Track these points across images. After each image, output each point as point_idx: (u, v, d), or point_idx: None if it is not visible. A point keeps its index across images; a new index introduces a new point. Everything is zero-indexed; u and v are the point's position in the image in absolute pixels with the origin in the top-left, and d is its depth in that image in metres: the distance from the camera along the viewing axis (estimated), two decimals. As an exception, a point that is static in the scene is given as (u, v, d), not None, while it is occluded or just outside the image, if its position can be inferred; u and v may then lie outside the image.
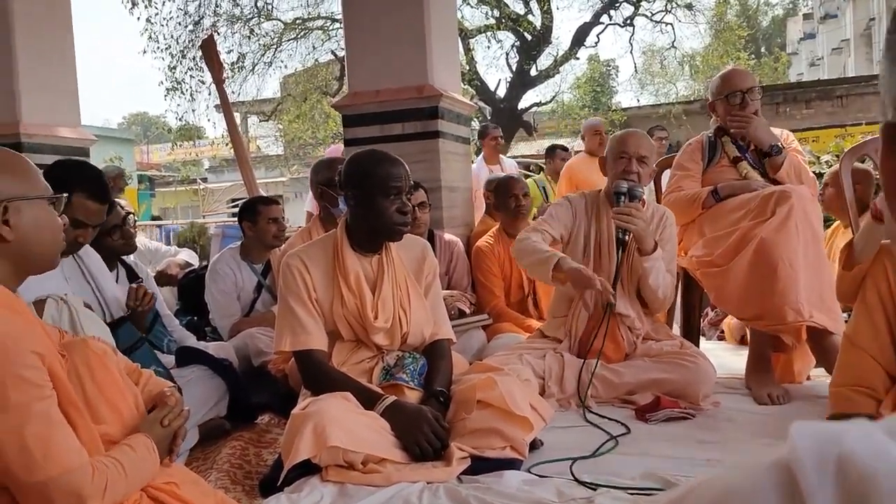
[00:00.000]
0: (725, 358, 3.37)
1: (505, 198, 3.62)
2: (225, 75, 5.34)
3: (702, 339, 3.48)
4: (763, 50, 28.24)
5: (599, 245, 2.79)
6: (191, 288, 3.94)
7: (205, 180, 21.58)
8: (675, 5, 15.94)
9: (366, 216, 2.25)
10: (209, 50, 4.22)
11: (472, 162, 5.33)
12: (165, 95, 13.96)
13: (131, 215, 2.93)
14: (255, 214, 3.54)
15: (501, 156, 6.40)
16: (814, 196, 2.83)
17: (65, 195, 1.58)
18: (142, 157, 29.25)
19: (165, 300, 3.98)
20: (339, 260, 2.27)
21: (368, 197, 2.22)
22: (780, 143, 2.97)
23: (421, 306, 2.35)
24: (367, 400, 2.07)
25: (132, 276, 3.03)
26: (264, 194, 4.67)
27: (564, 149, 6.60)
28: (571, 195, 3.04)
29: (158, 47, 13.76)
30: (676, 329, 3.35)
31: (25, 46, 4.60)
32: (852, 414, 2.02)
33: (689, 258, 3.01)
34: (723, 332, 4.09)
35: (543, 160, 6.87)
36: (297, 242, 3.02)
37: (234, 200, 15.67)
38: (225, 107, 4.33)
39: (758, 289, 2.63)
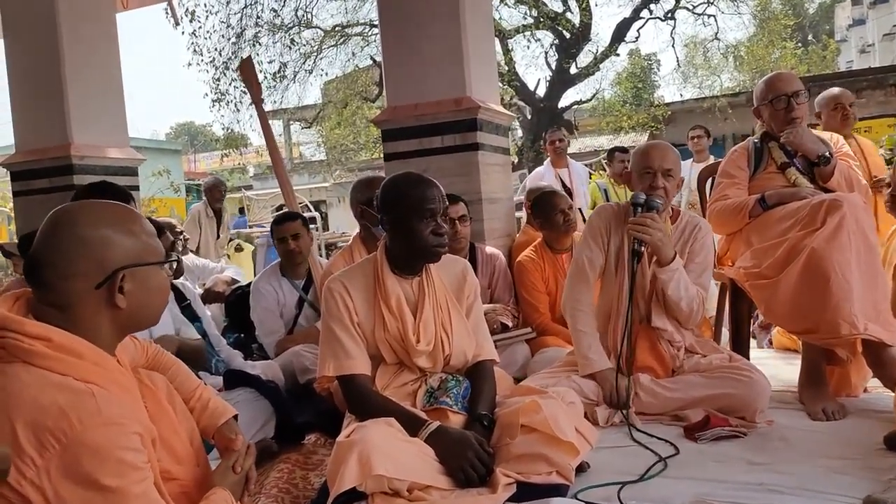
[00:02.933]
0: (777, 368, 3.28)
1: (550, 214, 3.59)
2: (264, 92, 5.45)
3: (752, 346, 3.39)
4: (810, 38, 27.55)
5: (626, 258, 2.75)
6: (238, 305, 4.01)
7: (250, 188, 21.92)
8: (717, -3, 15.65)
9: (402, 239, 2.25)
10: (247, 71, 4.31)
11: (520, 168, 5.27)
12: (211, 107, 14.24)
13: (179, 240, 2.99)
14: (273, 235, 3.65)
15: (570, 159, 6.29)
16: (866, 203, 2.74)
17: (175, 258, 1.56)
18: (189, 166, 29.88)
19: (213, 317, 4.06)
20: (379, 283, 2.28)
21: (403, 220, 2.23)
22: (828, 152, 2.88)
23: (463, 327, 2.34)
24: (411, 425, 2.06)
25: (180, 297, 3.09)
26: (305, 203, 4.70)
27: (624, 150, 6.51)
28: (603, 207, 2.99)
29: (202, 60, 14.05)
30: (726, 340, 3.29)
31: (74, 71, 4.75)
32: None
33: (736, 269, 2.95)
34: (772, 339, 3.98)
35: (605, 161, 6.74)
36: (339, 263, 3.04)
37: (279, 208, 15.89)
38: (264, 127, 4.41)
39: (810, 302, 2.56)
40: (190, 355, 2.55)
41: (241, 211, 10.58)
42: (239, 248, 6.23)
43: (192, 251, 5.85)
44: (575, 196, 5.86)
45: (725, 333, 3.41)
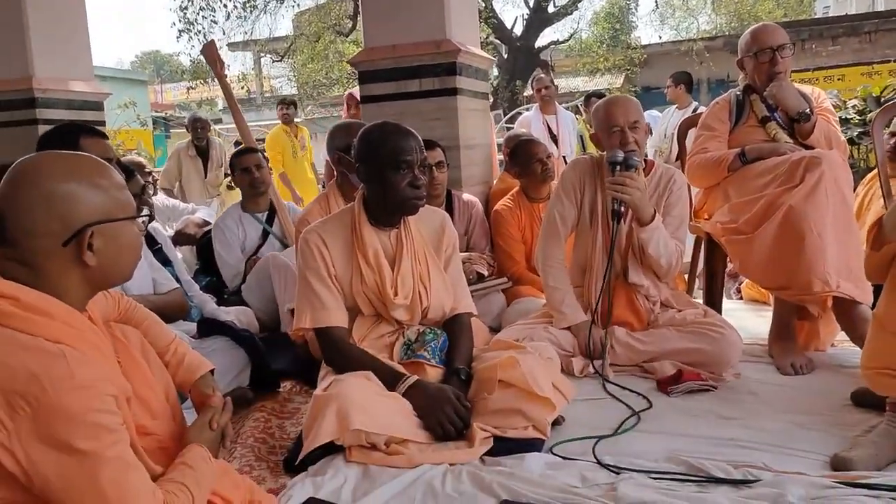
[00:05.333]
0: (747, 320, 3.34)
1: (528, 162, 3.54)
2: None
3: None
4: (789, -19, 27.28)
5: (604, 216, 2.74)
6: (210, 247, 3.93)
7: (219, 121, 21.44)
8: (699, -64, 15.37)
9: (379, 191, 2.22)
10: (210, 53, 4.39)
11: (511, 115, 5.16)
12: (178, 37, 13.78)
13: (149, 183, 2.91)
14: (233, 168, 3.79)
15: (558, 105, 6.16)
16: (844, 161, 2.74)
17: (147, 214, 1.48)
18: (156, 97, 29.05)
19: (185, 260, 4.00)
20: (357, 235, 2.25)
21: (379, 172, 2.18)
22: (808, 109, 2.86)
23: (441, 281, 2.33)
24: (389, 379, 2.07)
25: (151, 241, 3.02)
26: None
27: (601, 96, 6.43)
28: (577, 160, 2.96)
29: (169, -13, 13.52)
30: (699, 294, 3.33)
31: (35, 1, 4.51)
32: (879, 396, 2.00)
33: (713, 223, 2.96)
34: (740, 287, 4.03)
35: (582, 106, 6.64)
36: (315, 209, 2.99)
37: (236, 144, 15.55)
38: (228, 98, 4.52)
39: (784, 258, 2.58)
40: (169, 311, 2.50)
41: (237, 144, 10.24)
42: (231, 186, 6.01)
43: (167, 190, 5.73)
44: (561, 143, 5.81)
45: (697, 281, 3.45)
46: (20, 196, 1.29)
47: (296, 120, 7.22)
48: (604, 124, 2.72)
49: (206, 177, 6.20)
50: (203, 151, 6.23)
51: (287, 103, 7.07)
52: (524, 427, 1.98)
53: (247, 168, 3.71)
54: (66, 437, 1.19)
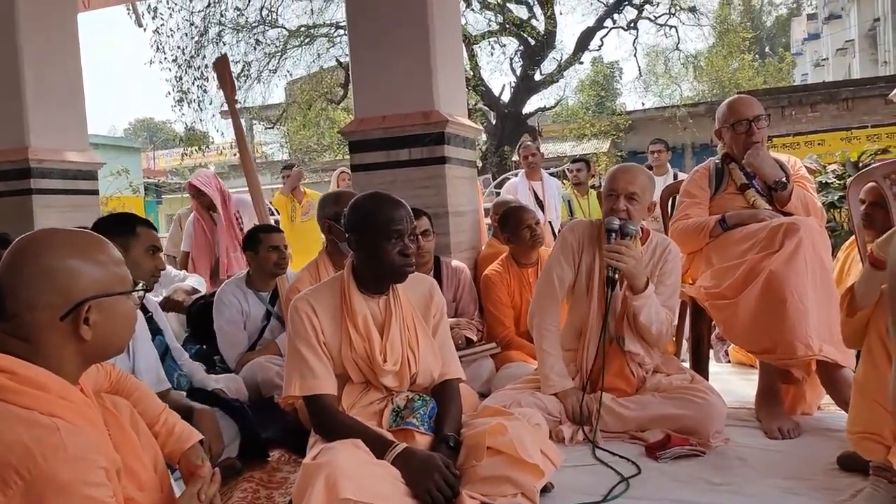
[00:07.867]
0: (734, 384, 3.37)
1: (517, 229, 3.60)
2: (237, 96, 5.41)
3: (710, 361, 3.45)
4: (767, 50, 28.21)
5: (601, 281, 2.78)
6: (200, 315, 3.93)
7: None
8: (678, 8, 15.95)
9: (369, 259, 2.25)
10: (222, 69, 4.23)
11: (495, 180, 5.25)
12: (173, 105, 14.04)
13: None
14: (257, 243, 3.56)
15: (543, 172, 6.28)
16: (822, 227, 2.82)
17: (143, 289, 1.51)
18: (148, 163, 29.33)
19: (173, 328, 3.98)
20: (346, 303, 2.28)
21: (370, 241, 2.22)
22: (784, 178, 2.96)
23: (429, 347, 2.35)
24: (378, 447, 2.06)
25: (142, 309, 3.03)
26: (270, 221, 4.71)
27: (577, 161, 6.62)
28: (577, 223, 3.01)
29: (165, 58, 13.85)
30: (687, 356, 3.35)
31: (34, 73, 4.64)
32: (864, 460, 2.02)
33: (697, 288, 3.01)
34: (728, 350, 4.06)
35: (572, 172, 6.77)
36: (305, 277, 3.03)
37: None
38: (236, 126, 4.33)
39: (767, 323, 2.63)
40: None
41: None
42: None
43: (171, 256, 5.72)
44: (547, 209, 5.90)
45: (685, 344, 3.48)
46: (22, 270, 1.33)
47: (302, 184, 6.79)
48: (606, 187, 2.80)
49: None
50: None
51: (289, 167, 6.73)
52: (513, 494, 1.98)
53: (277, 247, 3.53)
54: None
